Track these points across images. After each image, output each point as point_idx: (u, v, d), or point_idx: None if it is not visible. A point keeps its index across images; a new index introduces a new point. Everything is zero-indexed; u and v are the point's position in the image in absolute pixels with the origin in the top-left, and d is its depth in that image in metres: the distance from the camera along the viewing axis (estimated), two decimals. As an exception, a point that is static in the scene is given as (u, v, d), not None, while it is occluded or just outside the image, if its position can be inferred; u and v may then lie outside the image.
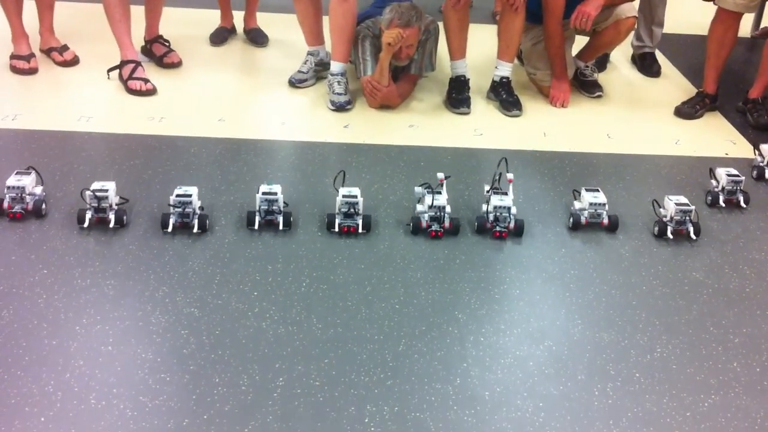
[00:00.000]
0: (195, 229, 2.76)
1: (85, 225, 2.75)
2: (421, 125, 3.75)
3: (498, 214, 2.87)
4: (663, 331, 2.48)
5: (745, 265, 2.84)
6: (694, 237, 2.94)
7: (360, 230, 2.82)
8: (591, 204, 2.95)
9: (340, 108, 3.77)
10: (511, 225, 2.88)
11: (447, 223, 2.86)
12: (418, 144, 3.55)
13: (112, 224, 2.75)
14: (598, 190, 3.01)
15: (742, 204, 3.18)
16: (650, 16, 4.47)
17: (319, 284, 2.57)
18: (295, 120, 3.75)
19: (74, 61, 4.08)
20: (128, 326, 2.34)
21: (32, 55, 3.97)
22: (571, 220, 2.96)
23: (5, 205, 2.78)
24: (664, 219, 2.96)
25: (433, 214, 2.85)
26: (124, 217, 2.78)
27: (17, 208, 2.79)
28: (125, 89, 3.83)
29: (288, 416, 2.06)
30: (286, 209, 2.86)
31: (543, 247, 2.87)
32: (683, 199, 2.97)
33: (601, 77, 4.32)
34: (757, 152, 3.51)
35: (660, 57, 4.65)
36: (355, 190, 2.86)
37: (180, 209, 2.76)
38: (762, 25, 5.24)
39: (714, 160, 3.54)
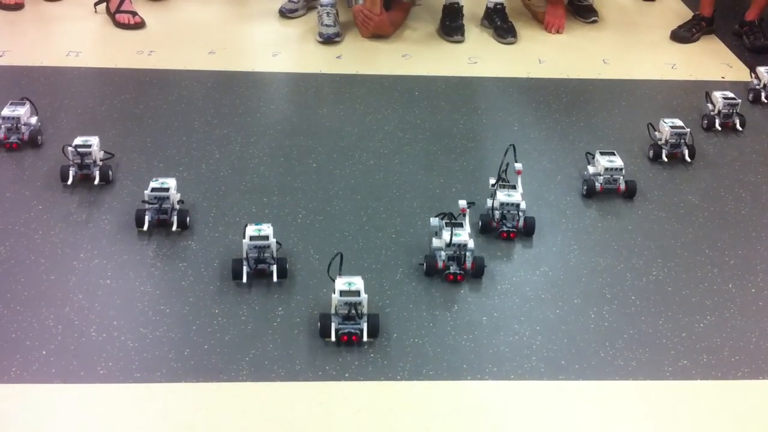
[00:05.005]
0: (174, 227, 2.44)
1: (69, 182, 2.60)
2: (415, 54, 3.70)
3: (505, 211, 2.53)
4: (658, 254, 2.49)
5: (741, 188, 2.84)
6: (689, 160, 2.93)
7: (365, 338, 2.11)
8: (607, 169, 2.71)
9: (327, 40, 3.71)
10: (521, 223, 2.53)
11: (469, 264, 2.35)
12: (411, 74, 3.51)
13: (96, 181, 2.61)
14: (614, 153, 2.77)
15: (738, 127, 3.16)
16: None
17: (316, 215, 2.58)
18: (286, 51, 3.70)
19: (60, -5, 4.01)
20: (126, 260, 2.34)
21: (17, -11, 3.89)
22: (585, 187, 2.73)
23: (1, 135, 2.77)
24: (659, 142, 2.95)
25: (452, 252, 2.35)
26: (110, 172, 2.62)
27: (13, 138, 2.76)
28: (113, 23, 3.77)
29: (288, 345, 2.08)
30: (281, 253, 2.32)
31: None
32: (678, 122, 2.95)
33: (597, 2, 4.24)
34: (753, 75, 3.49)
35: (656, -20, 4.58)
36: (358, 282, 2.11)
37: (156, 205, 2.44)
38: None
39: (710, 83, 3.51)
